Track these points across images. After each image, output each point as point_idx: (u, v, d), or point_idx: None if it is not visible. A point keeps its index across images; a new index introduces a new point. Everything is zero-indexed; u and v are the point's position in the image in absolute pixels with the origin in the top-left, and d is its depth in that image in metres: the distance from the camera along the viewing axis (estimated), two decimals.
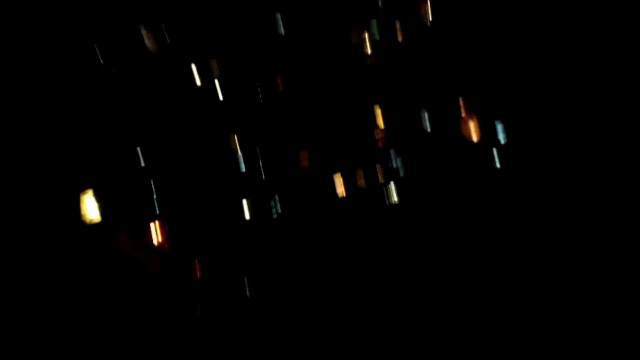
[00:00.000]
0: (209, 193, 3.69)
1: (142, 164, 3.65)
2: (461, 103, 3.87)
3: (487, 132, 3.85)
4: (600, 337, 3.44)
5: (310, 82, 3.88)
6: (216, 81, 3.72)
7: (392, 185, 3.86)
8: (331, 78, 3.90)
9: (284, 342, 3.55)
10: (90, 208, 3.47)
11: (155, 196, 3.60)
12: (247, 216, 3.72)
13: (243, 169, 3.75)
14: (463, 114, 3.86)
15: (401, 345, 3.58)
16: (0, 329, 3.28)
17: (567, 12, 3.77)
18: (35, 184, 3.49)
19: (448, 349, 3.55)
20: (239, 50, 3.84)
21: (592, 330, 3.46)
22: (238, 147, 3.74)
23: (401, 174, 3.87)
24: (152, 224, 3.57)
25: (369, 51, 3.91)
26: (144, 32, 3.58)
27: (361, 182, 3.84)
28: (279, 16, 3.77)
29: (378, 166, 3.87)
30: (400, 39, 3.92)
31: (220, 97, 3.75)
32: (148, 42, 3.61)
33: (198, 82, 3.71)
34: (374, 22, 3.91)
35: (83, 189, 3.53)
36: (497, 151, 3.83)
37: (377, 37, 3.92)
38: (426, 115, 3.89)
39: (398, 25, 3.91)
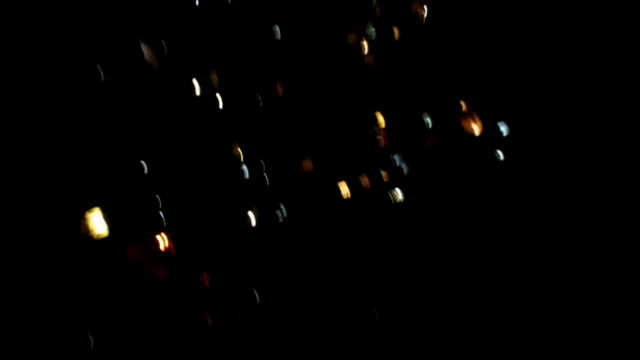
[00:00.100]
0: (214, 201, 3.72)
1: (146, 172, 3.65)
2: (462, 103, 3.88)
3: (487, 132, 3.88)
4: (600, 337, 3.53)
5: (310, 83, 3.87)
6: (217, 93, 3.70)
7: (396, 185, 3.90)
8: (331, 78, 3.90)
9: (291, 348, 3.64)
10: (97, 224, 3.50)
11: (160, 206, 3.63)
12: (253, 223, 3.76)
13: (247, 176, 3.77)
14: (464, 114, 3.88)
15: (403, 346, 3.68)
16: (5, 338, 3.31)
17: (567, 12, 3.76)
18: (35, 186, 3.50)
19: (448, 349, 3.65)
20: (239, 52, 3.82)
21: (591, 330, 3.56)
22: (241, 154, 3.76)
23: (404, 173, 3.91)
24: (158, 236, 3.60)
25: (369, 52, 3.90)
26: (142, 44, 3.55)
27: (365, 182, 3.88)
28: (277, 27, 3.74)
29: (380, 168, 3.90)
30: (400, 39, 3.90)
31: (221, 105, 3.75)
32: (147, 54, 3.58)
33: (197, 91, 3.70)
34: (373, 22, 3.89)
35: (83, 191, 3.54)
36: (497, 151, 3.87)
37: (376, 38, 3.90)
38: (427, 115, 3.91)
39: (398, 26, 3.89)
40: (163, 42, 3.63)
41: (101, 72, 3.52)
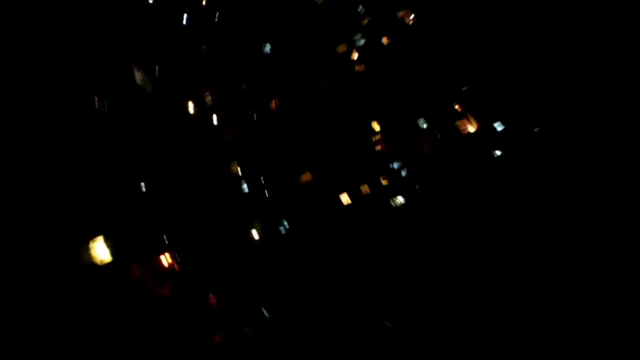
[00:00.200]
0: (216, 219, 3.71)
1: (144, 192, 3.64)
2: (460, 103, 3.89)
3: (486, 131, 3.88)
4: (600, 336, 3.49)
5: (303, 96, 3.88)
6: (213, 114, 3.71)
7: (394, 188, 3.90)
8: (324, 89, 3.91)
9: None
10: (100, 252, 3.47)
11: (163, 227, 3.61)
12: (256, 237, 3.75)
13: (246, 190, 3.77)
14: (461, 114, 3.89)
15: (405, 346, 3.66)
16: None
17: (567, 12, 3.76)
18: (35, 188, 3.47)
19: (449, 349, 3.62)
20: (230, 69, 3.83)
21: (592, 329, 3.52)
22: (239, 170, 3.75)
23: (402, 175, 3.91)
24: (162, 255, 3.58)
25: (359, 60, 3.91)
26: (135, 70, 3.55)
27: (365, 190, 3.88)
28: (267, 44, 3.76)
29: (379, 174, 3.91)
30: (388, 45, 3.92)
31: (215, 122, 3.74)
32: (139, 78, 3.58)
33: (192, 111, 3.70)
34: (361, 31, 3.90)
35: (86, 219, 3.52)
36: (497, 150, 3.87)
37: (365, 46, 3.91)
38: (422, 120, 3.91)
39: (385, 33, 3.91)
40: (156, 66, 3.64)
41: (96, 100, 3.52)
